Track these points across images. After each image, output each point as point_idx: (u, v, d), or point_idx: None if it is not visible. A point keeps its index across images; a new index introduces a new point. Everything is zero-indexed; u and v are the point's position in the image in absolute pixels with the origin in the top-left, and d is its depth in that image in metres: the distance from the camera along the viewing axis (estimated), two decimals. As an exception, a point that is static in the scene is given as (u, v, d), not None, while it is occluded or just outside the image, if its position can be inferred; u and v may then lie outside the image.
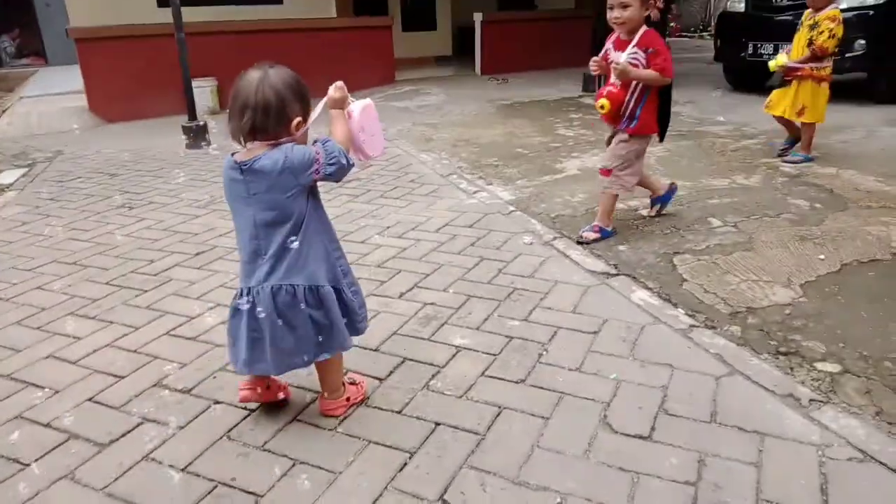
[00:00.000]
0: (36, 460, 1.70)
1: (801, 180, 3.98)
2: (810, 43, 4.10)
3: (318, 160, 1.59)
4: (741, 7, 7.49)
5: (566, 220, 3.46)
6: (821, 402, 1.81)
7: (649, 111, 2.90)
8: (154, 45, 7.01)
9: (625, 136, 2.93)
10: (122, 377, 2.09)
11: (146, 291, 2.73)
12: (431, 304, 2.52)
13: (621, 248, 3.02)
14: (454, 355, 2.13)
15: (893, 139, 5.05)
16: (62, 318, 2.52)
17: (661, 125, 2.99)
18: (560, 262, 2.88)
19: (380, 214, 3.66)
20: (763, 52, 7.00)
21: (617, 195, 3.08)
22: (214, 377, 2.07)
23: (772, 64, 4.35)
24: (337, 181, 1.68)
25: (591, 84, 8.31)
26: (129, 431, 1.81)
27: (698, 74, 8.81)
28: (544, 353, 2.13)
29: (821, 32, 4.04)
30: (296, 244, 1.63)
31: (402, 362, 2.10)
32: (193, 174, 4.79)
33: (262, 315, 1.65)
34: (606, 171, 3.03)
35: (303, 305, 1.65)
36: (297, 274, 1.64)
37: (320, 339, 1.70)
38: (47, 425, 1.85)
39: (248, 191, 1.60)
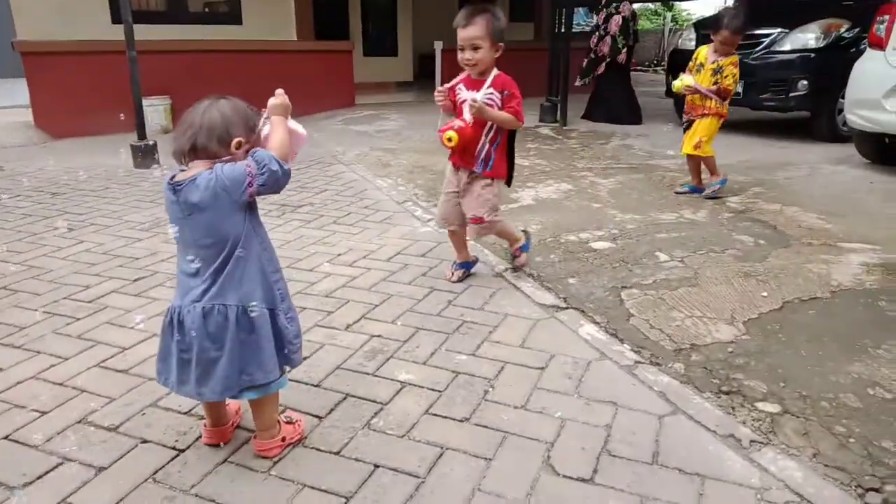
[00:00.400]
0: (-62, 507, 1.58)
1: (747, 216, 4.09)
2: (716, 84, 4.36)
3: (250, 173, 1.54)
4: (692, 45, 7.76)
5: (518, 251, 3.45)
6: (761, 443, 1.82)
7: (501, 155, 2.87)
8: (105, 62, 6.84)
9: (488, 180, 2.85)
10: (45, 412, 1.96)
11: (79, 319, 2.60)
12: (378, 336, 2.46)
13: (571, 280, 3.03)
14: (398, 391, 2.08)
15: (834, 176, 5.25)
16: (-16, 348, 2.37)
17: (509, 170, 2.96)
18: (511, 294, 2.87)
19: (331, 241, 3.60)
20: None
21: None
22: (143, 413, 1.96)
23: (677, 84, 4.46)
24: (276, 192, 1.61)
25: (548, 115, 8.48)
26: (46, 473, 1.70)
27: (650, 108, 9.04)
28: (490, 389, 2.09)
29: (725, 76, 4.32)
30: (230, 263, 1.58)
31: (344, 399, 2.04)
32: (140, 195, 4.64)
33: (192, 336, 1.59)
34: (479, 220, 2.85)
35: (233, 328, 1.59)
36: (231, 294, 1.58)
37: (249, 369, 1.63)
38: (-45, 467, 1.72)
39: (182, 211, 1.55)
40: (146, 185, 4.98)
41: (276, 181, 1.57)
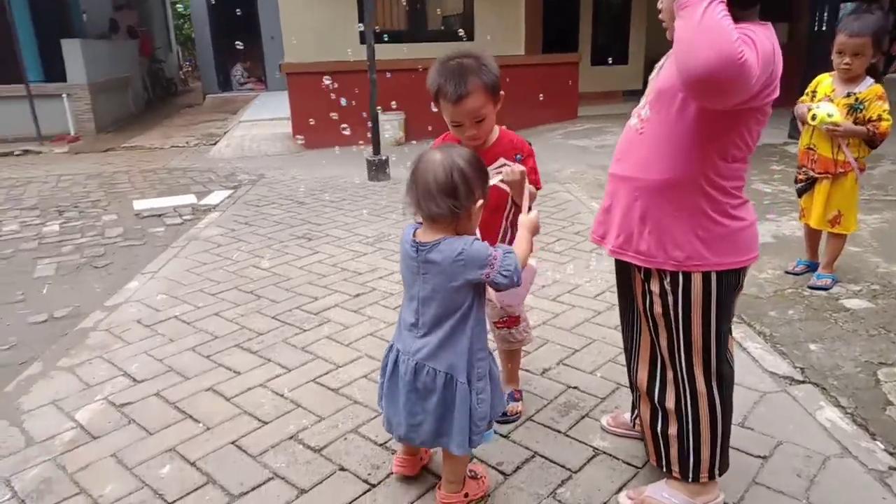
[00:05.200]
0: (176, 500, 1.81)
1: None
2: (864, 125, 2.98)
3: (492, 264, 1.55)
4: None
5: (749, 300, 3.05)
6: None
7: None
8: (351, 80, 7.55)
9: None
10: (266, 423, 2.18)
11: (304, 331, 2.87)
12: (575, 388, 2.33)
13: (812, 346, 2.58)
14: (590, 459, 1.94)
15: None
16: (229, 350, 2.72)
17: None
18: (735, 355, 2.53)
19: (537, 270, 3.52)
20: None
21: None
22: (346, 439, 2.08)
23: (822, 115, 2.94)
24: (500, 290, 1.63)
25: (799, 130, 7.47)
26: (259, 485, 1.88)
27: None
28: (697, 475, 1.85)
29: (873, 117, 2.93)
30: (447, 330, 1.61)
31: (532, 458, 1.95)
32: (368, 208, 5.03)
33: (404, 382, 1.66)
34: (514, 320, 2.20)
35: (440, 392, 1.62)
36: (442, 360, 1.62)
37: (441, 427, 1.65)
38: (193, 464, 1.97)
39: (419, 269, 1.62)
40: (377, 197, 5.39)
41: (508, 287, 1.58)
